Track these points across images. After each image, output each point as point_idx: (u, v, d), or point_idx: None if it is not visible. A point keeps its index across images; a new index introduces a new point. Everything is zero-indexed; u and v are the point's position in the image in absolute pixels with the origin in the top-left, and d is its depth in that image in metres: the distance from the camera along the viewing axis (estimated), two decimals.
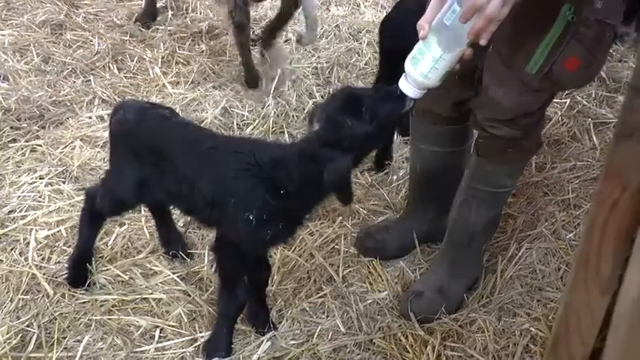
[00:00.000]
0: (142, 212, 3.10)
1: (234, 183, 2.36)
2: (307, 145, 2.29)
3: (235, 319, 2.58)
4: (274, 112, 3.88)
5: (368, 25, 4.79)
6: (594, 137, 3.86)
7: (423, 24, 2.00)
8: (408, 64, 2.07)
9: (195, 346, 2.59)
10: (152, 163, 2.50)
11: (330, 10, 5.05)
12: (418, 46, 2.05)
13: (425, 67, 2.04)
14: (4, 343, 2.53)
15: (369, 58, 4.43)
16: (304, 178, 2.26)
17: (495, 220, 2.87)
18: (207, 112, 3.84)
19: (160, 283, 2.84)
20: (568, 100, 4.08)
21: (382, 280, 2.94)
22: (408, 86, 2.09)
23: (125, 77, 4.16)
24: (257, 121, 3.83)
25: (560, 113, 4.00)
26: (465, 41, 1.99)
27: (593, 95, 4.17)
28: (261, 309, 2.68)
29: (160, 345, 2.60)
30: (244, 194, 2.34)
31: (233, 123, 3.81)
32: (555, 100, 4.04)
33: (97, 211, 2.74)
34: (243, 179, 2.34)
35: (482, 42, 1.97)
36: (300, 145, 2.36)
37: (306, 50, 4.44)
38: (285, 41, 4.61)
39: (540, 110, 2.57)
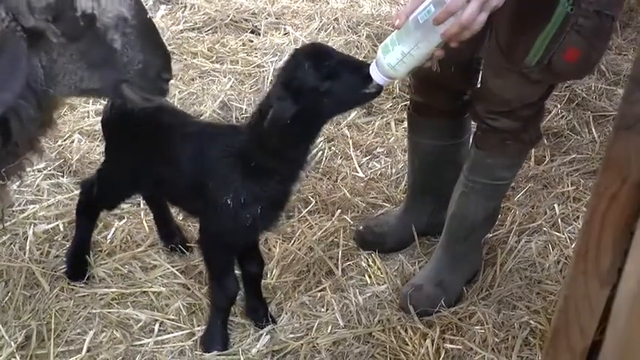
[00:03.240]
0: (141, 206, 3.10)
1: (212, 166, 2.38)
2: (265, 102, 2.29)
3: (228, 311, 2.58)
4: None
5: (367, 18, 4.78)
6: (594, 130, 3.86)
7: (400, 14, 2.00)
8: (380, 51, 2.07)
9: (194, 340, 2.60)
10: (142, 150, 2.52)
11: (329, 3, 5.03)
12: (392, 36, 2.05)
13: (393, 59, 2.04)
14: (10, 340, 2.53)
15: (368, 52, 4.42)
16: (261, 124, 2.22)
17: (494, 212, 2.87)
18: (205, 106, 3.84)
19: (159, 276, 2.84)
20: (567, 93, 4.08)
21: (381, 274, 2.94)
22: (377, 73, 2.08)
23: None
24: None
25: (559, 106, 4.00)
26: (436, 42, 1.99)
27: (593, 88, 4.16)
28: (259, 303, 2.69)
29: (159, 338, 2.60)
30: (221, 176, 2.36)
31: (232, 117, 3.81)
32: (555, 93, 4.03)
33: (94, 202, 2.74)
34: (220, 161, 2.36)
35: (453, 45, 1.99)
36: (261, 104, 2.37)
37: (305, 44, 4.43)
38: (285, 34, 4.60)
39: (540, 102, 2.57)
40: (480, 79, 2.63)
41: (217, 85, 4.04)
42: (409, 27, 2.00)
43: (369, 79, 2.11)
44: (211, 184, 2.38)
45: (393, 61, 2.04)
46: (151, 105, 2.18)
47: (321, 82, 2.15)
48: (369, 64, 2.12)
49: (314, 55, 2.18)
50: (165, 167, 2.49)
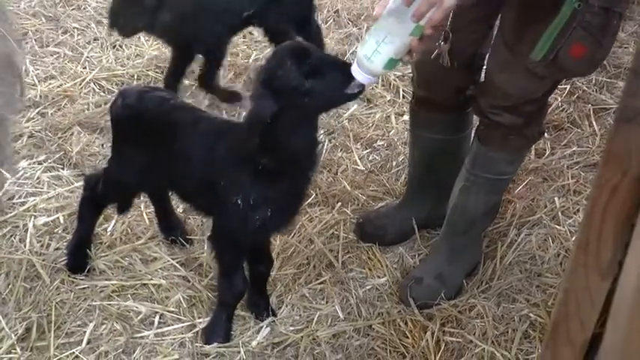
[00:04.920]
0: (142, 198, 3.09)
1: (222, 165, 2.37)
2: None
3: (234, 307, 2.59)
4: None
5: (367, 11, 4.76)
6: (594, 123, 3.85)
7: (379, 6, 1.98)
8: (359, 45, 2.05)
9: (195, 332, 2.60)
10: (153, 146, 2.50)
11: None
12: (370, 29, 2.04)
13: (369, 49, 2.01)
14: (11, 332, 2.53)
15: None
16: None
17: (495, 206, 2.87)
18: (204, 99, 3.83)
19: (160, 268, 2.84)
20: (568, 86, 4.07)
21: (381, 266, 2.94)
22: (357, 70, 2.06)
23: (122, 66, 4.13)
24: None
25: (560, 99, 3.99)
26: (410, 27, 1.95)
27: (594, 81, 4.16)
28: (261, 297, 2.69)
29: (159, 330, 2.61)
30: (231, 176, 2.34)
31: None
32: None
33: (98, 198, 2.74)
34: (230, 160, 2.35)
35: (428, 31, 1.96)
36: None
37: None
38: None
39: (543, 98, 2.57)
40: (484, 74, 2.62)
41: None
42: (384, 16, 1.98)
43: (351, 78, 2.08)
44: (222, 183, 2.37)
45: (368, 52, 2.01)
46: None
47: (303, 80, 2.12)
48: (351, 63, 2.09)
49: (296, 54, 2.15)
50: (177, 164, 2.48)
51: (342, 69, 2.13)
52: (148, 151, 2.53)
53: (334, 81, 2.14)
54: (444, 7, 1.90)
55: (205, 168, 2.41)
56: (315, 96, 2.15)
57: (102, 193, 2.72)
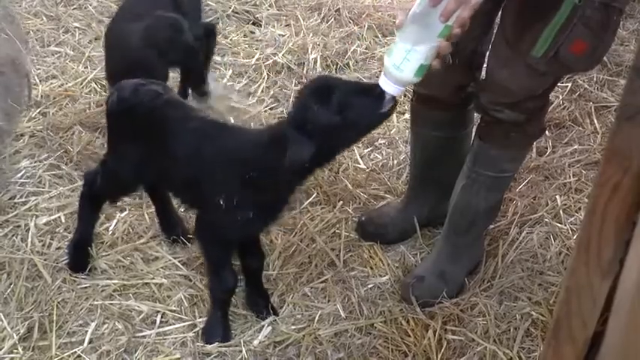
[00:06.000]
0: (143, 198, 3.10)
1: (209, 166, 2.38)
2: (278, 126, 2.32)
3: (228, 303, 2.59)
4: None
5: (368, 9, 4.76)
6: (595, 121, 3.85)
7: (400, 12, 1.96)
8: (385, 56, 2.03)
9: (196, 331, 2.60)
10: (146, 140, 2.52)
11: None
12: (395, 38, 2.01)
13: (398, 58, 1.99)
14: (12, 331, 2.54)
15: (370, 43, 4.41)
16: (271, 159, 2.25)
17: (497, 204, 2.86)
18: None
19: (161, 268, 2.85)
20: (569, 84, 4.07)
21: (383, 265, 2.94)
22: (386, 81, 2.04)
23: None
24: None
25: (561, 97, 3.99)
26: (438, 29, 1.93)
27: (595, 79, 4.15)
28: (260, 295, 2.69)
29: (160, 330, 2.61)
30: (216, 177, 2.37)
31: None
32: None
33: (97, 194, 2.74)
34: (216, 163, 2.37)
35: (456, 30, 1.95)
36: (274, 126, 2.42)
37: (307, 35, 4.42)
38: (287, 25, 4.58)
39: (544, 94, 2.56)
40: (484, 71, 2.62)
41: (218, 76, 4.03)
42: (410, 22, 1.95)
43: (381, 97, 2.07)
44: (207, 182, 2.39)
45: (397, 60, 1.99)
46: None
47: (334, 117, 2.13)
48: (377, 84, 2.07)
49: (321, 93, 2.16)
50: (165, 159, 2.49)
51: (370, 92, 2.12)
52: (142, 145, 2.53)
53: (367, 107, 2.14)
54: (472, 3, 1.89)
55: (191, 165, 2.42)
56: (350, 127, 2.18)
57: (100, 188, 2.72)
